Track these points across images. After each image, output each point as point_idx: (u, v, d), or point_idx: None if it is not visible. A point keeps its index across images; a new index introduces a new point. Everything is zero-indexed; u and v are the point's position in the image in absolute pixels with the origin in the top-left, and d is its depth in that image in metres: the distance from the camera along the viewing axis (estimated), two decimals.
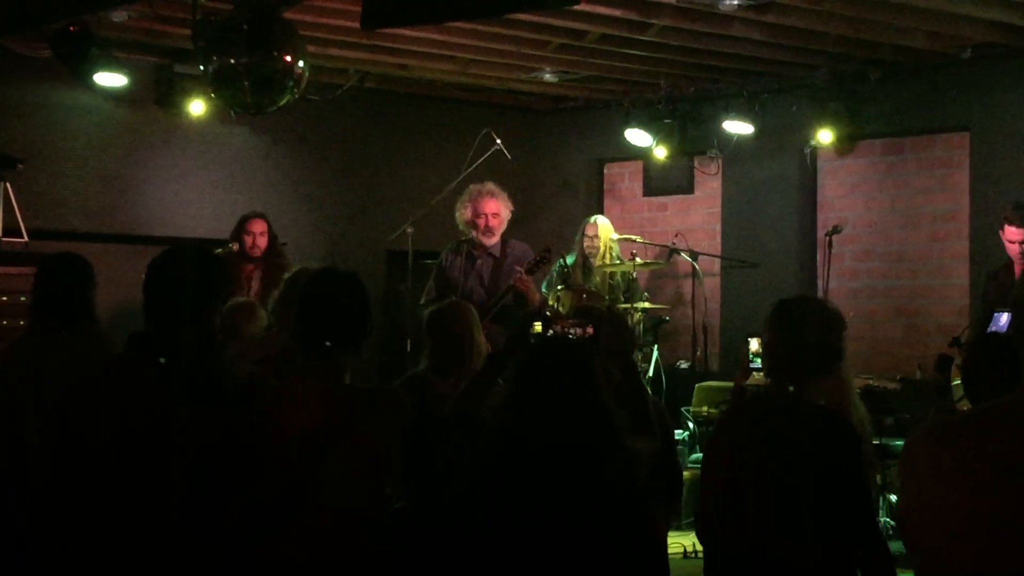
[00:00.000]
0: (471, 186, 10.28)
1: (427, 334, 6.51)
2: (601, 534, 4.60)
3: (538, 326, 5.87)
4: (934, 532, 2.00)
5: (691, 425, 10.65)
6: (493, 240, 9.97)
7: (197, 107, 11.09)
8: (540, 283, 10.70)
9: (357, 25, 8.59)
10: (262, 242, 10.48)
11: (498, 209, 9.96)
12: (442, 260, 10.18)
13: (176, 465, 4.29)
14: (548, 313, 10.00)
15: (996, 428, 2.03)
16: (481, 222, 9.92)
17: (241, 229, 10.57)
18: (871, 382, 9.98)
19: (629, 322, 8.32)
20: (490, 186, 10.09)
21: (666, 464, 6.07)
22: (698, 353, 12.04)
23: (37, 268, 6.35)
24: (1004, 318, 8.74)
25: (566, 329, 5.57)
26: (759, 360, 10.94)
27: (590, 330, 5.62)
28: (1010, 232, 9.13)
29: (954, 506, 1.97)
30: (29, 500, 4.96)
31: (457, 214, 10.14)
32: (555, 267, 11.10)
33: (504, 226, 10.04)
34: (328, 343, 4.55)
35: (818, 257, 11.80)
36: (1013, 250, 9.18)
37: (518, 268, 9.70)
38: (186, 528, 4.29)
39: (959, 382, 9.12)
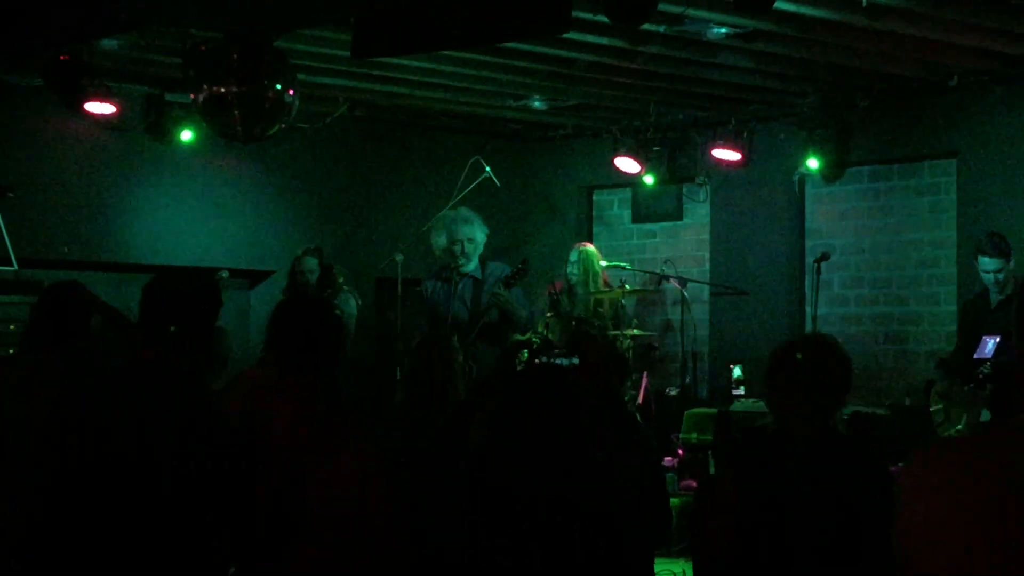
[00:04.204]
0: (444, 213, 10.33)
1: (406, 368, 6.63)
2: (585, 555, 4.63)
3: (525, 354, 5.89)
4: (934, 555, 2.00)
5: (680, 452, 10.64)
6: (471, 264, 10.00)
7: (187, 135, 11.11)
8: (525, 297, 10.72)
9: (347, 54, 8.64)
10: (312, 279, 10.66)
11: (473, 234, 10.00)
12: (424, 290, 10.21)
13: (168, 486, 4.30)
14: (535, 339, 10.03)
15: (1002, 449, 2.03)
16: (457, 248, 9.96)
17: (294, 268, 10.87)
18: (860, 408, 10.00)
19: (622, 353, 8.34)
20: (464, 212, 10.14)
21: (653, 491, 6.09)
22: (687, 380, 12.05)
23: (38, 298, 6.39)
24: (991, 343, 8.77)
25: (552, 359, 5.58)
26: (743, 387, 11.03)
27: (576, 359, 5.64)
28: (984, 262, 9.15)
29: (957, 528, 1.98)
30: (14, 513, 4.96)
31: (432, 241, 10.18)
32: (541, 299, 11.13)
33: (480, 249, 10.07)
34: (296, 361, 4.61)
35: (807, 284, 11.82)
36: (989, 280, 9.21)
37: (500, 281, 9.74)
38: (179, 550, 4.30)
39: (940, 407, 9.17)
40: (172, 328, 4.51)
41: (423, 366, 6.57)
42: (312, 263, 10.78)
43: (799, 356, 4.74)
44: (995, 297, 9.13)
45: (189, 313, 4.60)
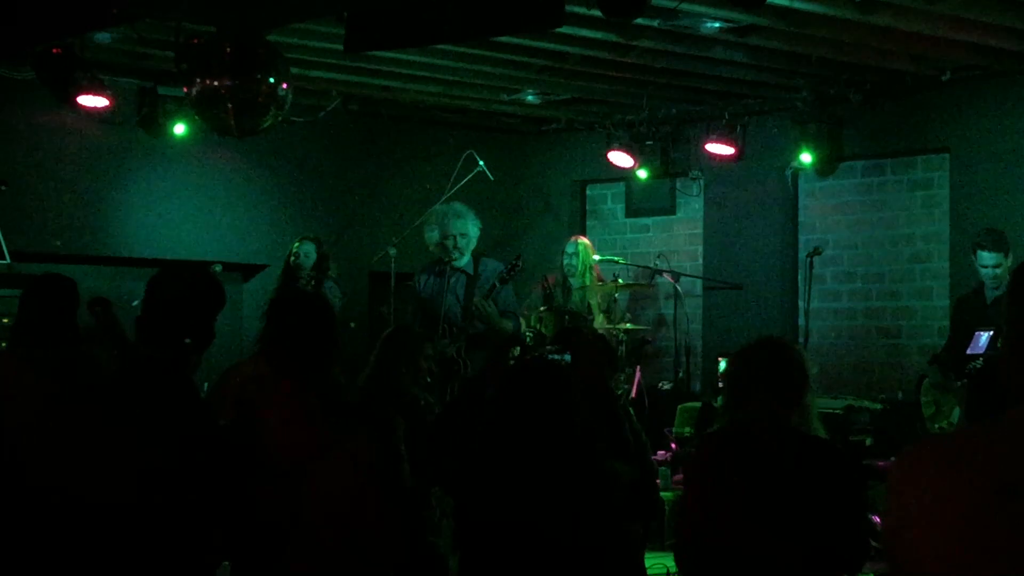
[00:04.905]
0: (436, 207, 10.33)
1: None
2: (577, 552, 4.64)
3: (516, 350, 5.93)
4: (923, 554, 2.00)
5: (673, 446, 10.64)
6: (463, 259, 10.00)
7: (180, 129, 11.10)
8: (522, 295, 10.74)
9: (340, 48, 8.63)
10: (307, 263, 10.67)
11: (465, 229, 9.99)
12: (416, 284, 10.21)
13: (168, 488, 4.30)
14: (528, 333, 10.05)
15: (991, 447, 2.03)
16: (449, 243, 9.95)
17: (291, 251, 10.88)
18: (852, 402, 10.01)
19: (611, 345, 8.35)
20: (457, 206, 10.13)
21: (644, 486, 6.10)
22: (680, 374, 12.06)
23: (24, 290, 6.36)
24: (984, 337, 8.76)
25: (544, 354, 5.61)
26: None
27: (568, 356, 5.65)
28: (984, 257, 9.13)
29: (946, 527, 1.97)
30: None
31: (425, 236, 10.17)
32: (535, 292, 11.13)
33: (473, 244, 10.07)
34: (293, 361, 4.61)
35: (799, 278, 11.83)
36: (987, 275, 9.18)
37: (495, 277, 9.73)
38: (181, 553, 4.30)
39: (930, 399, 9.18)
40: (188, 340, 4.51)
41: (384, 356, 6.70)
42: (309, 247, 10.81)
43: (815, 371, 4.83)
44: (990, 293, 9.11)
45: (193, 312, 4.59)
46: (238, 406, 4.69)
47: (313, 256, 10.80)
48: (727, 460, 4.77)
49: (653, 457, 8.09)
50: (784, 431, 4.80)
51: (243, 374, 5.85)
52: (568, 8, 7.78)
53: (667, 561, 8.85)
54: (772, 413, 4.81)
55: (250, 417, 4.57)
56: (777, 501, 4.61)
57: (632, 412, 7.07)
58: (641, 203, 13.28)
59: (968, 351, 8.76)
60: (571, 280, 11.32)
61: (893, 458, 2.15)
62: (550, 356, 5.58)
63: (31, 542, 4.42)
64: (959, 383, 8.76)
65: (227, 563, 4.73)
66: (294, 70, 8.94)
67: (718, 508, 4.71)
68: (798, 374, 4.92)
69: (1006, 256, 9.05)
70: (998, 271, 9.03)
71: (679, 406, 10.97)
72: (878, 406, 10.09)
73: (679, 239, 13.01)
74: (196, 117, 8.97)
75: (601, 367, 6.11)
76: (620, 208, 13.54)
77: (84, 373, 5.82)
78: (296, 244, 10.86)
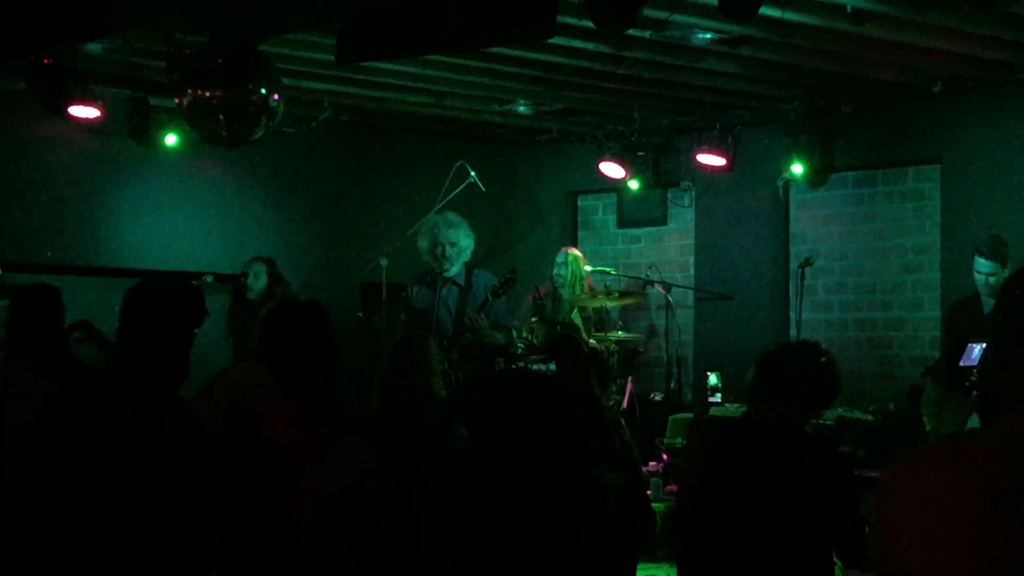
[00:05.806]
0: (430, 216, 10.35)
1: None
2: (570, 554, 4.64)
3: (501, 361, 5.94)
4: (919, 558, 2.00)
5: (665, 457, 10.64)
6: (453, 269, 10.02)
7: (172, 140, 11.09)
8: (513, 307, 10.74)
9: (332, 58, 8.63)
10: (256, 285, 10.56)
11: (456, 239, 10.02)
12: (409, 293, 10.22)
13: (168, 488, 4.30)
14: (519, 344, 10.06)
15: (987, 452, 2.03)
16: (439, 251, 9.98)
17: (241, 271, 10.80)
18: (844, 413, 10.01)
19: (603, 357, 8.35)
20: (450, 216, 10.16)
21: (634, 495, 6.10)
22: (672, 385, 12.05)
23: (10, 301, 6.38)
24: (977, 350, 8.74)
25: (529, 365, 5.62)
26: (719, 395, 11.07)
27: (553, 365, 5.67)
28: (980, 264, 9.10)
29: (943, 531, 1.97)
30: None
31: (418, 245, 10.20)
32: (526, 303, 11.14)
33: (465, 255, 10.09)
34: (288, 364, 4.62)
35: (791, 289, 11.83)
36: (980, 281, 9.15)
37: (488, 291, 9.73)
38: (180, 553, 4.30)
39: (931, 413, 9.17)
40: (163, 346, 4.50)
41: (400, 367, 6.66)
42: (259, 268, 10.77)
43: (823, 359, 4.82)
44: (987, 301, 9.07)
45: (170, 323, 4.58)
46: (235, 410, 4.69)
47: (263, 277, 10.69)
48: (720, 457, 4.77)
49: (644, 468, 8.10)
50: (782, 430, 4.80)
51: (233, 382, 5.84)
52: (559, 19, 7.77)
53: (659, 572, 8.87)
54: (786, 416, 4.80)
55: (249, 418, 4.58)
56: (772, 499, 4.61)
57: (624, 424, 7.07)
58: (632, 214, 13.29)
59: (961, 363, 8.73)
60: (561, 291, 11.33)
61: (884, 468, 2.14)
62: (534, 366, 5.59)
63: (31, 541, 4.42)
64: (954, 395, 8.73)
65: None
66: (286, 80, 8.95)
67: (713, 507, 4.71)
68: (834, 386, 4.94)
69: (1003, 267, 9.01)
70: (992, 280, 8.99)
71: (670, 417, 10.96)
72: (869, 417, 10.09)
73: (670, 250, 13.02)
74: (187, 127, 8.97)
75: (587, 377, 6.11)
76: (612, 219, 13.55)
77: (81, 375, 5.82)
78: (246, 264, 10.79)
